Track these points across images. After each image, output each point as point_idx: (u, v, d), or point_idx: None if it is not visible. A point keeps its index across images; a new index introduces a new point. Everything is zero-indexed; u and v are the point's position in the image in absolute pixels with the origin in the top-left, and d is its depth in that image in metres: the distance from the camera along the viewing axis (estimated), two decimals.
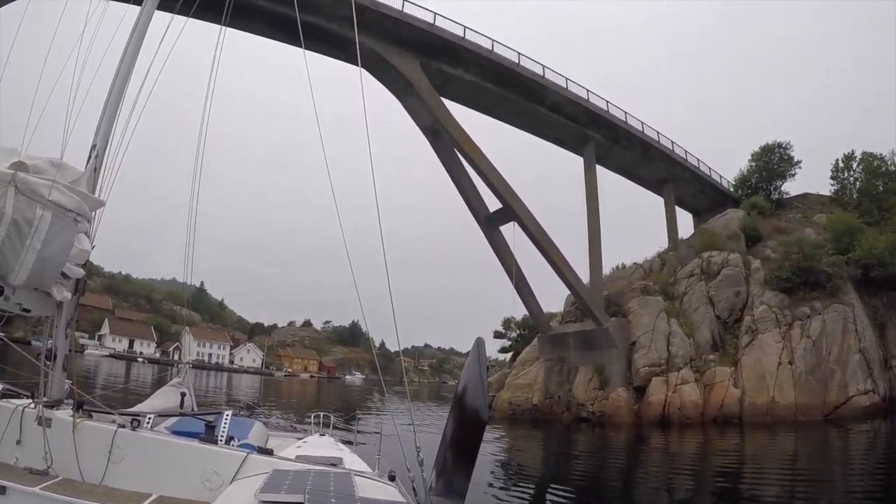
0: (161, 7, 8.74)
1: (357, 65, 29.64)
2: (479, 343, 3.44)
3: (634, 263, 36.69)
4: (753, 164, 42.06)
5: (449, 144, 29.29)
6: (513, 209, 28.52)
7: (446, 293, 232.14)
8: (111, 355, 68.80)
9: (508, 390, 33.70)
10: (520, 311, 40.82)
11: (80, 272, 5.38)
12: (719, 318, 30.28)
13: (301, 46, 18.25)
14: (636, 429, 26.17)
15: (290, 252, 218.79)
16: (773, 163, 41.26)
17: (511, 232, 29.65)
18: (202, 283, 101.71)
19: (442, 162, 30.38)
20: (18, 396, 5.05)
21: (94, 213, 5.87)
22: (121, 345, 79.60)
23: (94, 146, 6.52)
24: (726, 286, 30.74)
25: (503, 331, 45.54)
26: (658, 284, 32.46)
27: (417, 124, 29.99)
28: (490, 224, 30.68)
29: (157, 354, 79.07)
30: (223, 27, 9.39)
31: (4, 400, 4.86)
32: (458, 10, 29.80)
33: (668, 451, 20.98)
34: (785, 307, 28.92)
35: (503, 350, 46.24)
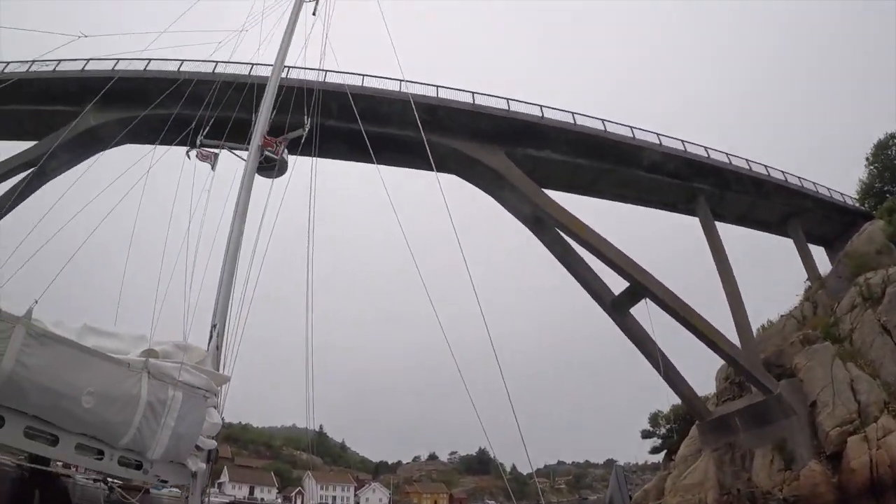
0: (260, 171, 11.95)
1: (436, 170, 35.02)
2: (617, 470, 5.01)
3: (782, 315, 38.93)
4: (872, 167, 44.88)
5: (555, 231, 32.66)
6: (642, 285, 31.09)
7: (577, 398, 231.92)
8: (231, 503, 74.37)
9: (675, 495, 34.74)
10: (664, 401, 43.30)
11: (213, 444, 7.10)
12: None
13: (374, 162, 22.51)
14: None
15: (408, 384, 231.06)
16: (891, 158, 44.14)
17: (645, 312, 32.61)
18: (321, 427, 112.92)
19: (551, 251, 33.44)
20: None
21: (220, 388, 7.52)
22: (241, 492, 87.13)
23: (213, 326, 8.40)
24: None
25: (651, 428, 47.61)
26: (819, 329, 34.05)
27: (517, 216, 33.31)
28: (619, 308, 33.29)
29: (279, 500, 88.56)
30: (314, 159, 13.04)
31: None
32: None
33: None
34: None
35: (654, 450, 48.21)
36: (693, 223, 37.61)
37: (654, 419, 47.88)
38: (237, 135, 14.34)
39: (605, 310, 34.11)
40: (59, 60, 32.22)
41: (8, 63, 32.60)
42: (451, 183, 34.22)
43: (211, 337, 8.33)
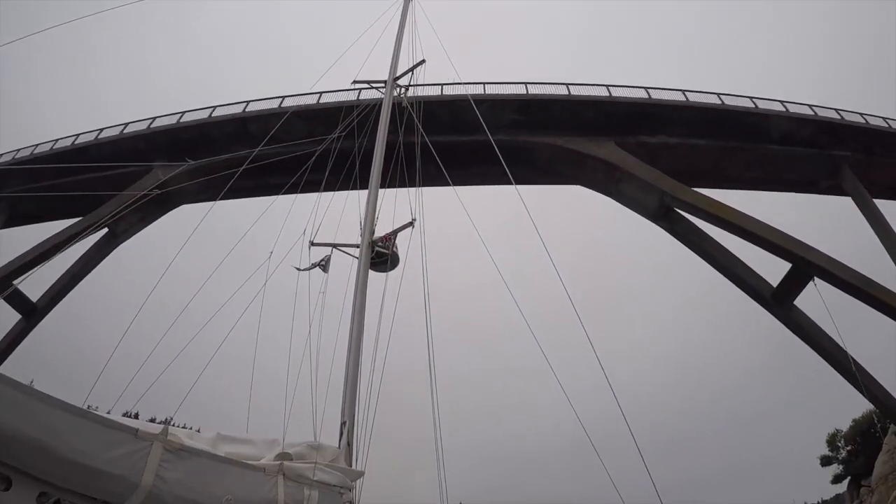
0: (373, 267, 11.45)
1: (546, 179, 29.93)
2: None
3: None
4: None
5: (688, 222, 26.86)
6: (807, 262, 24.94)
7: (726, 438, 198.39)
8: None
9: None
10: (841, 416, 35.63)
11: None
12: None
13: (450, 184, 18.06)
14: None
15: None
16: None
17: (814, 299, 26.60)
18: None
19: (688, 246, 27.46)
20: None
21: (355, 483, 7.40)
22: None
23: (343, 423, 8.30)
24: None
25: (829, 453, 39.73)
26: None
27: (641, 213, 27.94)
28: (782, 300, 26.40)
29: None
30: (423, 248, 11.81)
31: None
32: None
33: None
34: None
35: (837, 479, 39.61)
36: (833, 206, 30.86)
37: (832, 440, 39.33)
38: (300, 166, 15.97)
39: (764, 306, 27.16)
40: (127, 123, 30.19)
41: (78, 135, 31.06)
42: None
43: (342, 434, 8.29)
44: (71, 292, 31.55)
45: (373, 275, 11.30)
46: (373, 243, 11.48)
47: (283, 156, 18.86)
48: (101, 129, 30.49)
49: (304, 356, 10.04)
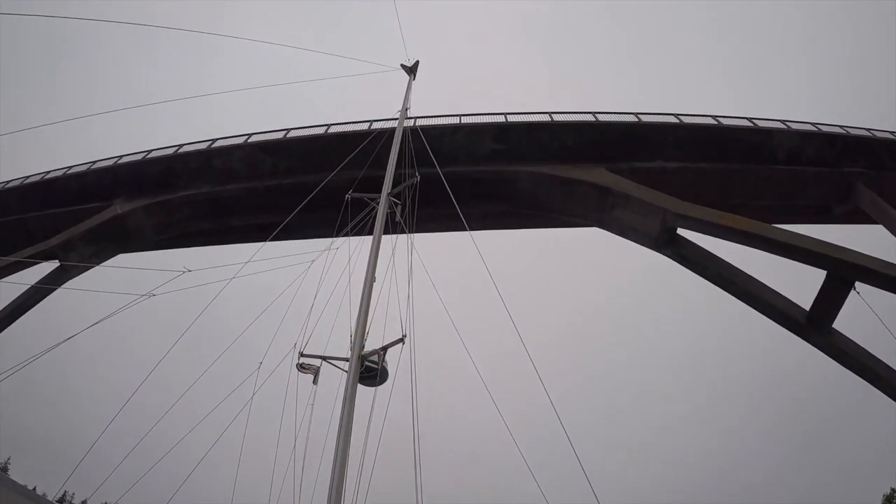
0: (362, 381, 10.88)
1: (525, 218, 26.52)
2: None
3: None
4: None
5: (697, 247, 22.63)
6: (846, 264, 20.15)
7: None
8: None
9: None
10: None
11: None
12: None
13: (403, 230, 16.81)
14: None
15: None
16: None
17: (851, 324, 22.01)
18: None
19: (701, 274, 22.84)
20: None
21: None
22: None
23: None
24: None
25: None
26: None
27: (641, 242, 23.82)
28: (820, 323, 21.23)
29: None
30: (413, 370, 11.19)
31: None
32: None
33: None
34: None
35: None
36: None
37: (890, 500, 32.65)
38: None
39: (800, 334, 22.04)
40: (95, 161, 28.76)
41: (49, 171, 29.86)
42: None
43: None
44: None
45: (361, 388, 10.96)
46: (362, 357, 11.10)
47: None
48: (71, 167, 29.14)
49: (289, 466, 9.98)
